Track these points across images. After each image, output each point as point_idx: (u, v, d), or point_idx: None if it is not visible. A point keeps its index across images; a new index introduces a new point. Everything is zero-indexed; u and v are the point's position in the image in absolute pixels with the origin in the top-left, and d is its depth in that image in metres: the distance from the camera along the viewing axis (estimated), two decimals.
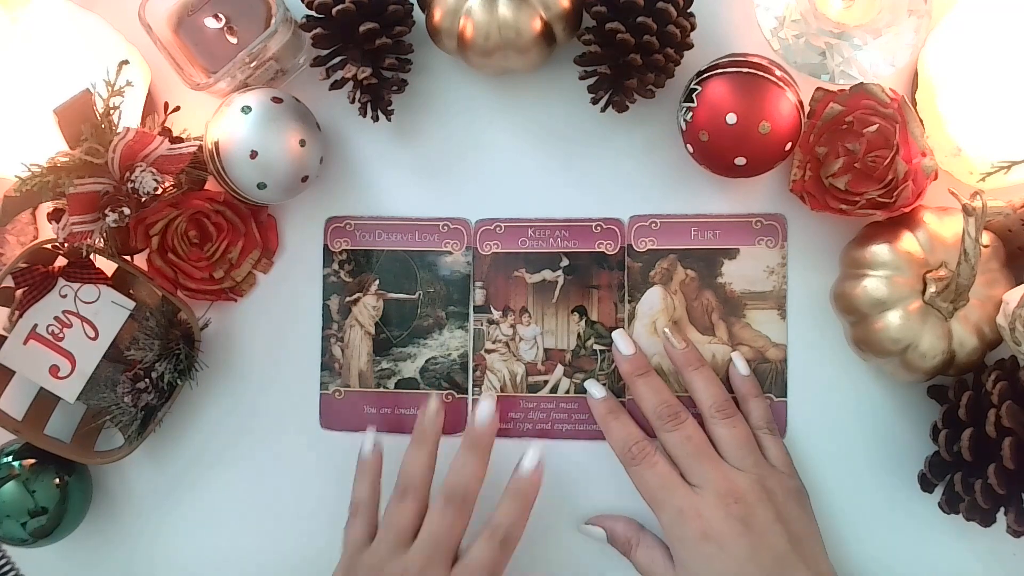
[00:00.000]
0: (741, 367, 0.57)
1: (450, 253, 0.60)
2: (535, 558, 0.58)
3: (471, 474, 0.54)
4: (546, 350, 0.59)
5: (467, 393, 0.59)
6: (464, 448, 0.54)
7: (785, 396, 0.57)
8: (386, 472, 0.57)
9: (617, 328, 0.58)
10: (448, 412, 0.59)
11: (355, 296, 0.60)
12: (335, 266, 0.60)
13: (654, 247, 0.58)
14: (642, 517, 0.57)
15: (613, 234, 0.59)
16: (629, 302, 0.59)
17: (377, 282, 0.60)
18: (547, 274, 0.59)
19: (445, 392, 0.60)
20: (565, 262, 0.59)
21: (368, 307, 0.60)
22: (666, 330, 0.57)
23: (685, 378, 0.56)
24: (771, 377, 0.58)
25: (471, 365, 0.59)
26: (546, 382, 0.59)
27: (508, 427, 0.59)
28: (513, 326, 0.59)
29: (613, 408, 0.57)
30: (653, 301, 0.58)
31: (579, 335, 0.59)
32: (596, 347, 0.59)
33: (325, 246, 0.60)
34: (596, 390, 0.57)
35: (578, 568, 0.59)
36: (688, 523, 0.52)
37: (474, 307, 0.60)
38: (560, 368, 0.59)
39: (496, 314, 0.59)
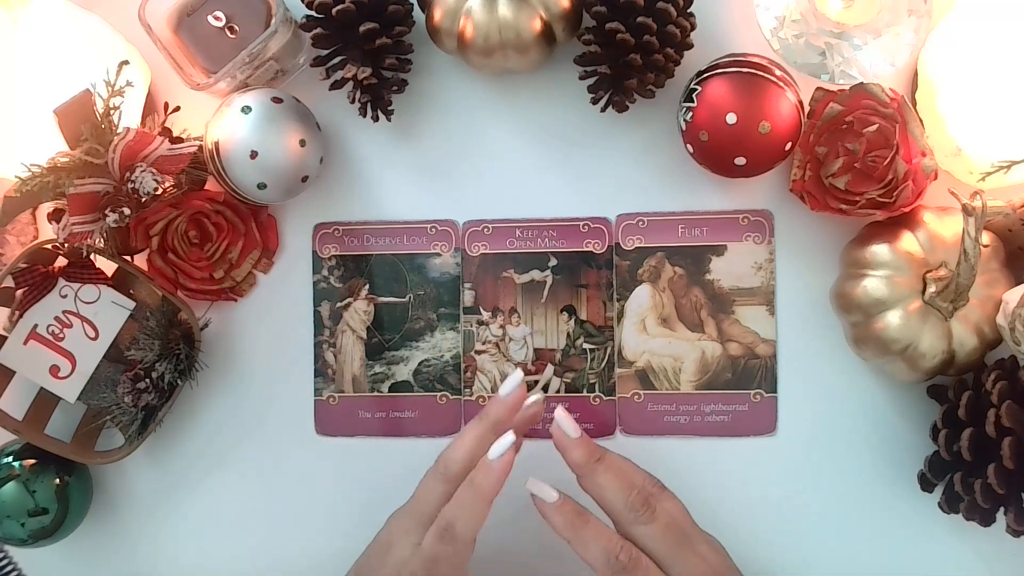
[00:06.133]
0: (569, 428, 0.50)
1: (439, 255, 0.60)
2: (529, 560, 0.58)
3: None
4: (536, 350, 0.59)
5: (460, 395, 0.59)
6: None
7: (775, 392, 0.58)
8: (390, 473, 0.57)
9: (607, 326, 0.58)
10: (443, 414, 0.59)
11: (346, 301, 0.60)
12: (324, 272, 0.60)
13: (642, 245, 0.58)
14: None
15: (601, 233, 0.59)
16: (618, 300, 0.59)
17: (367, 286, 0.60)
18: (535, 274, 0.59)
19: (439, 394, 0.59)
20: (553, 262, 0.59)
21: (359, 312, 0.60)
22: (529, 488, 0.50)
23: (586, 482, 0.49)
24: (760, 373, 0.58)
25: (462, 366, 0.59)
26: (536, 382, 0.59)
27: None
28: (503, 327, 0.59)
29: (579, 511, 0.49)
30: (642, 299, 0.58)
31: (568, 334, 0.59)
32: (586, 346, 0.59)
33: (314, 252, 0.60)
34: (546, 492, 0.49)
35: (570, 567, 0.58)
36: None
37: (463, 308, 0.60)
38: (550, 368, 0.59)
39: (485, 315, 0.59)
